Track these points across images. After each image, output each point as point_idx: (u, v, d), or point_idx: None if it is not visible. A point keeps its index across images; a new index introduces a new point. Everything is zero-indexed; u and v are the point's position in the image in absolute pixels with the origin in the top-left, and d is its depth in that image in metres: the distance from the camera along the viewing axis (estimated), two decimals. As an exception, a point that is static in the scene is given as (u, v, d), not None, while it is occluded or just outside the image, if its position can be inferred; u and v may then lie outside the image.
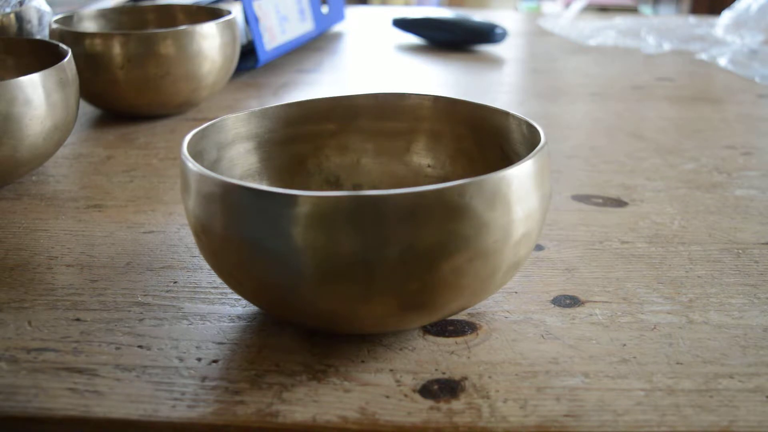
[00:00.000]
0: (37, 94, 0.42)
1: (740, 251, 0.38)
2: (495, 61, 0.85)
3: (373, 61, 0.85)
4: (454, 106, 0.37)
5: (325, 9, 0.93)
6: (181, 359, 0.29)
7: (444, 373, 0.28)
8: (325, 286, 0.26)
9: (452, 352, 0.30)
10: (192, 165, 0.28)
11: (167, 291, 0.34)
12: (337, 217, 0.25)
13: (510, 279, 0.30)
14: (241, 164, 0.36)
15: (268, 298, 0.28)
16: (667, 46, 0.93)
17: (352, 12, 1.17)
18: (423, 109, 0.38)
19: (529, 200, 0.27)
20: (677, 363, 0.29)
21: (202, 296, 0.34)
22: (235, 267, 0.27)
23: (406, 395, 0.27)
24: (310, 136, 0.38)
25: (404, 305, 0.26)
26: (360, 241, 0.25)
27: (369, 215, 0.24)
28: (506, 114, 0.34)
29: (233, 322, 0.32)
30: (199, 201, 0.27)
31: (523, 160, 0.27)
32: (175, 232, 0.40)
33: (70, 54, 0.46)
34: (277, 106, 0.37)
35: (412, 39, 0.97)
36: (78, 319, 0.32)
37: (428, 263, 0.25)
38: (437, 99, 0.38)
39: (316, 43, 0.94)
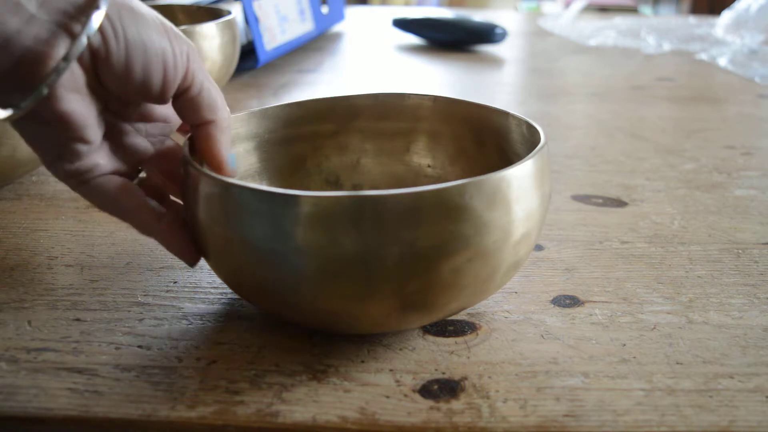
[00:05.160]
0: (37, 94, 0.42)
1: (740, 251, 0.38)
2: (495, 61, 0.85)
3: (373, 61, 0.85)
4: (454, 106, 0.37)
5: (325, 9, 0.93)
6: (180, 359, 0.29)
7: (444, 373, 0.28)
8: (326, 285, 0.26)
9: (452, 352, 0.30)
10: (193, 165, 0.28)
11: (167, 291, 0.34)
12: (337, 217, 0.25)
13: (510, 279, 0.30)
14: (241, 164, 0.36)
15: (268, 298, 0.28)
16: (667, 46, 0.93)
17: (352, 12, 1.17)
18: (423, 109, 0.38)
19: (528, 200, 0.27)
20: (677, 363, 0.29)
21: (202, 296, 0.34)
22: (235, 267, 0.27)
23: (406, 395, 0.27)
24: (309, 136, 0.38)
25: (404, 305, 0.26)
26: (360, 240, 0.25)
27: (369, 215, 0.24)
28: (506, 114, 0.34)
29: (233, 322, 0.32)
30: (200, 201, 0.27)
31: (523, 160, 0.27)
32: (175, 232, 0.40)
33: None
34: (276, 106, 0.37)
35: (412, 39, 0.97)
36: (78, 319, 0.32)
37: (428, 263, 0.25)
38: (437, 99, 0.38)
39: (316, 43, 0.94)
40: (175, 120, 0.32)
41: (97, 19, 0.25)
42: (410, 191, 0.24)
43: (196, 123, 0.30)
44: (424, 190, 0.24)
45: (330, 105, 0.38)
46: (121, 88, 0.27)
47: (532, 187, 0.27)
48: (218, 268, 0.29)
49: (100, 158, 0.29)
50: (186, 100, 0.29)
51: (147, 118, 0.31)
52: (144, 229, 0.30)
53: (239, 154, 0.36)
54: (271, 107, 0.37)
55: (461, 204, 0.25)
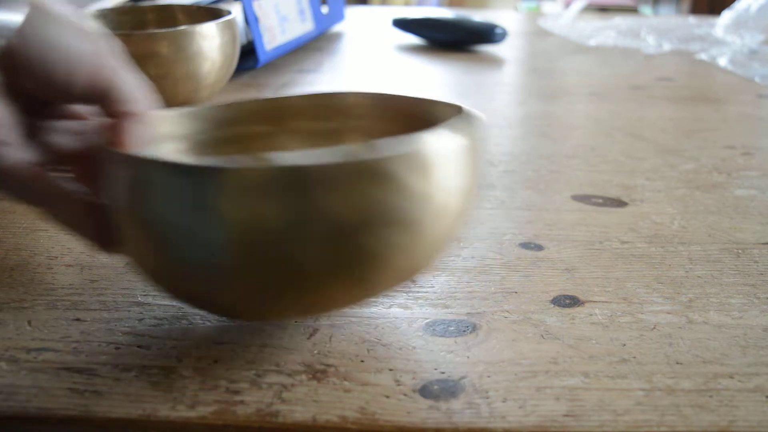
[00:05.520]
0: (37, 94, 0.42)
1: (740, 251, 0.38)
2: (495, 61, 0.85)
3: (373, 61, 0.85)
4: (392, 102, 0.36)
5: (325, 9, 0.93)
6: (180, 359, 0.29)
7: (443, 373, 0.28)
8: (247, 264, 0.25)
9: (452, 352, 0.30)
10: (107, 146, 0.27)
11: (167, 291, 0.34)
12: (255, 188, 0.23)
13: (440, 254, 0.29)
14: None
15: (185, 285, 0.26)
16: (667, 46, 0.93)
17: (352, 12, 1.17)
18: (360, 107, 0.37)
19: (457, 173, 0.26)
20: (677, 363, 0.29)
21: (202, 296, 0.34)
22: (152, 253, 0.26)
23: (405, 395, 0.27)
24: (242, 138, 0.37)
25: (331, 282, 0.25)
26: (281, 212, 0.24)
27: (290, 186, 0.23)
28: (444, 104, 0.33)
29: (233, 322, 0.32)
30: (115, 184, 0.26)
31: (451, 132, 0.26)
32: (175, 232, 0.40)
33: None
34: (208, 107, 0.36)
35: (412, 39, 0.97)
36: (78, 319, 0.32)
37: (353, 235, 0.24)
38: (374, 96, 0.37)
39: (316, 43, 0.94)
40: (97, 116, 0.32)
41: (9, 21, 0.25)
42: (332, 161, 0.23)
43: (113, 115, 0.29)
44: (348, 161, 0.24)
45: (264, 106, 0.37)
46: (35, 89, 0.27)
47: (462, 161, 0.27)
48: (138, 259, 0.27)
49: (16, 153, 0.28)
50: (103, 98, 0.29)
51: (67, 115, 0.31)
52: (59, 212, 0.29)
53: (168, 155, 0.35)
54: (202, 108, 0.36)
55: (387, 173, 0.24)
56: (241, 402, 0.27)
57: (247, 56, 0.76)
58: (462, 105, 0.32)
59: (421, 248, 0.27)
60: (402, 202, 0.25)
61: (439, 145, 0.26)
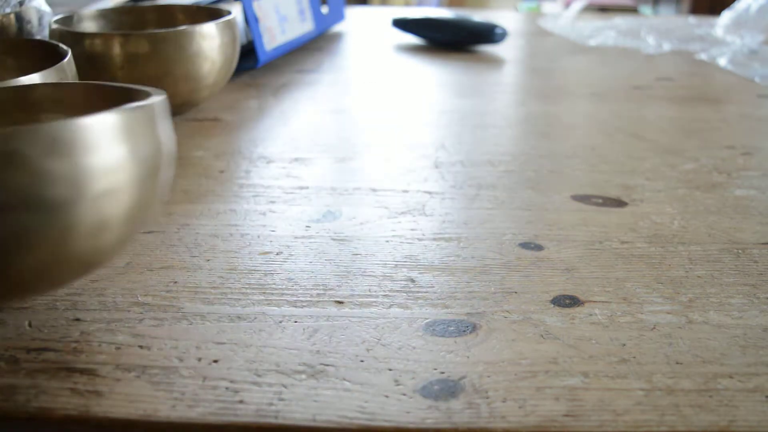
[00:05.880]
0: (37, 95, 0.42)
1: (740, 251, 0.38)
2: (495, 61, 0.85)
3: (373, 61, 0.85)
4: (90, 92, 0.34)
5: (325, 9, 0.93)
6: (181, 359, 0.29)
7: (443, 373, 0.28)
8: None
9: (452, 352, 0.30)
10: None
11: (167, 291, 0.34)
12: None
13: (119, 244, 0.28)
14: None
15: None
16: (667, 46, 0.93)
17: (352, 12, 1.17)
18: (63, 99, 0.35)
19: (108, 154, 0.25)
20: (677, 363, 0.29)
21: (202, 296, 0.34)
22: None
23: (405, 395, 0.27)
24: None
25: None
26: None
27: None
28: (141, 92, 0.32)
29: (233, 322, 0.32)
30: None
31: (102, 113, 0.25)
32: (174, 232, 0.40)
33: (69, 54, 0.46)
34: None
35: (412, 39, 0.97)
36: (78, 319, 0.32)
37: None
38: (72, 86, 0.35)
39: (316, 43, 0.94)
40: None
41: None
42: None
43: None
44: None
45: None
46: None
47: (116, 141, 0.26)
48: None
49: None
50: None
51: None
52: None
53: None
54: None
55: (12, 151, 0.23)
56: (241, 402, 0.27)
57: (247, 56, 0.76)
58: (153, 90, 0.30)
59: (73, 235, 0.25)
60: (35, 184, 0.24)
61: (85, 128, 0.25)
